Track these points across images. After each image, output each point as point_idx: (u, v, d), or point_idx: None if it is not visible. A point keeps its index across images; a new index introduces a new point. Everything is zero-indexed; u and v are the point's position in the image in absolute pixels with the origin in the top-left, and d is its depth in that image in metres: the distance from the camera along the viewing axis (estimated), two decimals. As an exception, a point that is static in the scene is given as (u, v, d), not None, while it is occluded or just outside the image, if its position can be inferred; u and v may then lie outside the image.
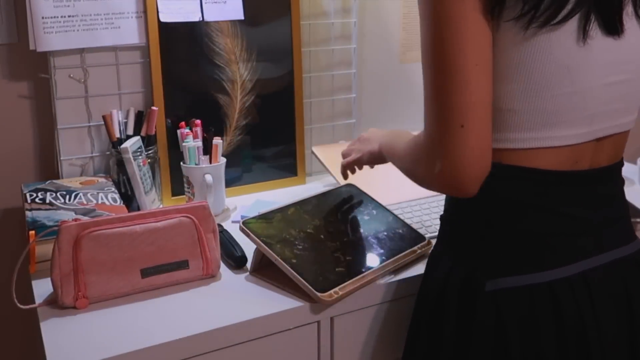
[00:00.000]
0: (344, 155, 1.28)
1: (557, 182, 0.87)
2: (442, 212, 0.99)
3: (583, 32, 0.82)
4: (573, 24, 0.82)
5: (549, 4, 0.80)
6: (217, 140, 1.37)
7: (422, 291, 0.99)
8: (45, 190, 1.26)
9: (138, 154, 1.32)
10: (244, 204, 1.42)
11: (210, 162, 1.36)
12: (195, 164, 1.35)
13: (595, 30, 0.83)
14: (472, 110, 0.79)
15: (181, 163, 1.37)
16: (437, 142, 0.81)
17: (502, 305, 0.87)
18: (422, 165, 0.86)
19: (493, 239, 0.89)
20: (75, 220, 1.01)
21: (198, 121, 1.39)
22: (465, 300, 0.90)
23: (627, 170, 1.62)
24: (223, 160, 1.38)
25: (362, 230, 1.17)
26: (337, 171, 1.47)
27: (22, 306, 0.99)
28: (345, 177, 1.30)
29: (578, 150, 0.88)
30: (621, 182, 0.97)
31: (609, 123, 0.90)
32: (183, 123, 1.39)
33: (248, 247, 1.10)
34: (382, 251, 1.11)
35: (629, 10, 0.86)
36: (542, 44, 0.81)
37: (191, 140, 1.35)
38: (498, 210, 0.89)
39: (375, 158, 1.16)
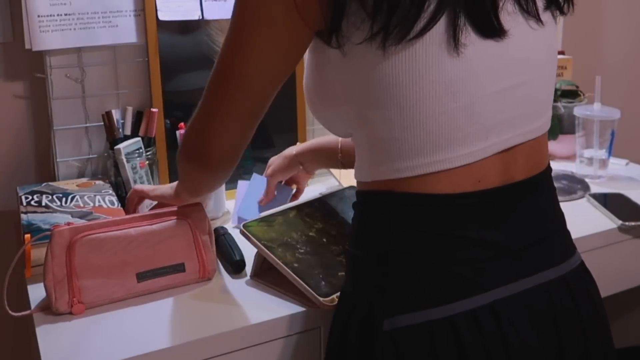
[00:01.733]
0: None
1: (457, 205, 0.79)
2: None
3: (454, 41, 0.74)
4: (439, 33, 0.73)
5: (401, 17, 0.71)
6: (216, 141, 1.34)
7: (332, 329, 0.88)
8: (41, 193, 1.24)
9: (137, 155, 1.30)
10: (244, 207, 1.40)
11: (210, 164, 1.33)
12: (195, 166, 1.32)
13: (468, 37, 0.75)
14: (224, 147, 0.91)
15: (180, 165, 1.34)
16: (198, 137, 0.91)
17: (402, 345, 0.78)
18: (186, 152, 0.93)
19: (392, 273, 0.80)
20: (68, 224, 0.99)
21: (197, 122, 1.37)
22: (365, 339, 0.81)
23: (634, 172, 1.60)
24: (223, 161, 1.35)
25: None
26: (339, 173, 1.45)
27: (13, 313, 0.97)
28: (130, 210, 1.15)
29: (478, 169, 0.79)
30: (549, 193, 0.88)
31: (512, 132, 0.81)
32: (182, 124, 1.37)
33: (249, 250, 1.08)
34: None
35: (508, 8, 0.78)
36: (407, 62, 0.73)
37: (190, 141, 1.33)
38: (395, 241, 0.80)
39: (165, 195, 1.09)
